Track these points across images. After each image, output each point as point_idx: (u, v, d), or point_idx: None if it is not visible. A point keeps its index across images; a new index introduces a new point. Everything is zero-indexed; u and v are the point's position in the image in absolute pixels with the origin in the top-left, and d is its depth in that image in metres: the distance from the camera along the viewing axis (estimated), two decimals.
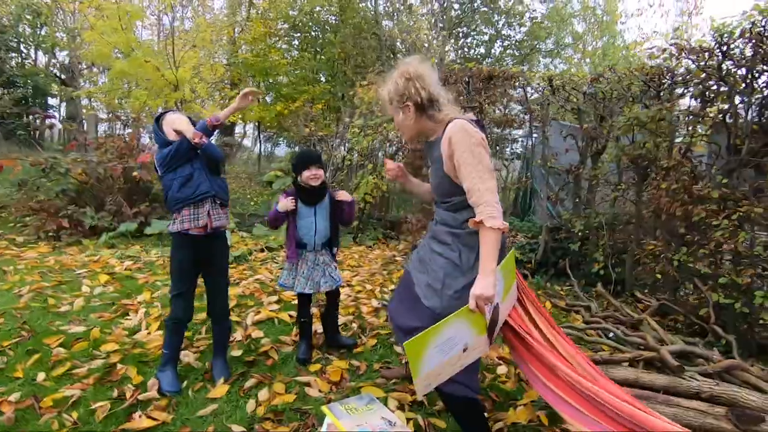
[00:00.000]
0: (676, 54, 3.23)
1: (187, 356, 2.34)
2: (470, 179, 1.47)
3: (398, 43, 10.51)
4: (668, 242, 3.31)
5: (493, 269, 1.44)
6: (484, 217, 1.43)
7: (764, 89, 2.85)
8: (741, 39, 2.77)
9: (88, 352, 2.34)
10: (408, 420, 1.93)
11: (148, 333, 2.60)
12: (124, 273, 3.65)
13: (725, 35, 2.79)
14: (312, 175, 2.38)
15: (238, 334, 2.63)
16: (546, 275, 4.50)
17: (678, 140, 3.48)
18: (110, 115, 9.92)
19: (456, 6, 12.60)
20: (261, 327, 2.80)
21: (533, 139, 5.30)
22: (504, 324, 1.60)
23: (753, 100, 2.85)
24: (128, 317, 2.82)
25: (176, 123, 2.05)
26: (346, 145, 6.23)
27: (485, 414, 1.70)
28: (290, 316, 2.96)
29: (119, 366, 2.20)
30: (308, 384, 2.18)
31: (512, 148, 6.21)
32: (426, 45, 10.05)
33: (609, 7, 11.35)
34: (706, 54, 3.03)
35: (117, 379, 2.10)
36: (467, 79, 4.41)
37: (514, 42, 12.82)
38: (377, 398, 2.03)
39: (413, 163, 4.71)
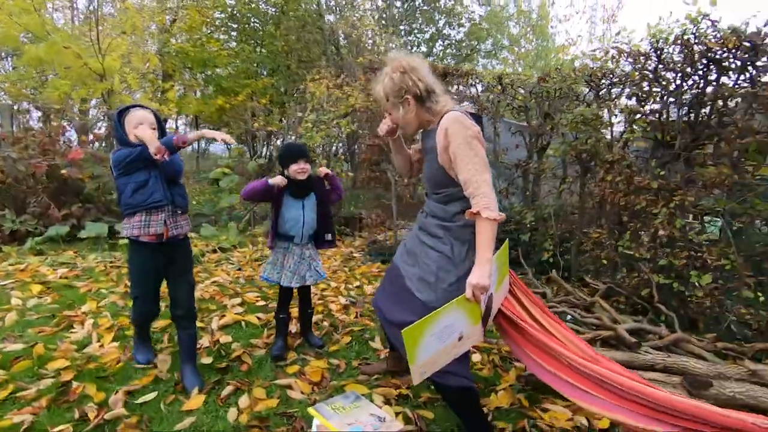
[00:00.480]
0: (617, 57, 3.50)
1: (153, 368, 2.16)
2: (466, 171, 1.49)
3: (341, 39, 10.42)
4: (612, 230, 3.60)
5: (489, 259, 1.47)
6: (480, 208, 1.46)
7: (691, 90, 3.18)
8: (673, 45, 3.06)
9: (33, 372, 2.08)
10: (396, 414, 1.94)
11: (101, 346, 2.37)
12: (60, 282, 3.29)
13: (660, 41, 3.08)
14: (299, 169, 2.32)
15: (204, 341, 2.48)
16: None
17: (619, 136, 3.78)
18: (26, 106, 8.84)
19: (398, 3, 12.73)
20: (228, 331, 2.65)
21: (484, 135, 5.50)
22: (498, 312, 1.65)
23: (683, 101, 3.17)
24: (73, 330, 2.55)
25: (140, 131, 1.92)
26: (298, 140, 6.07)
27: (480, 401, 1.75)
28: (258, 318, 2.84)
29: (74, 384, 1.98)
30: (289, 386, 2.11)
31: None
32: (371, 41, 10.05)
33: (542, 12, 12.10)
34: (642, 58, 3.33)
35: (74, 398, 1.89)
36: None
37: (454, 42, 13.21)
38: (362, 395, 2.03)
39: (370, 158, 4.70)
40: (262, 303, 3.14)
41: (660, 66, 3.25)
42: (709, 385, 1.97)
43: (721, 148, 2.97)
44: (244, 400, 1.96)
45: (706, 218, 3.41)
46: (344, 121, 5.87)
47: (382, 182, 4.78)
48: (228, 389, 2.03)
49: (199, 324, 2.67)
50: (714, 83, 3.02)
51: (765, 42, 2.68)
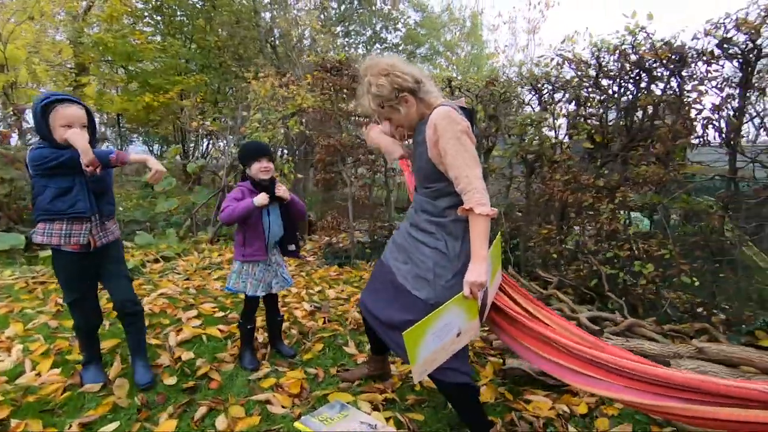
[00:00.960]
0: (561, 63, 3.74)
1: (108, 394, 1.91)
2: (456, 167, 1.48)
3: (277, 37, 10.10)
4: (560, 226, 3.83)
5: (485, 256, 1.48)
6: (473, 204, 1.45)
7: (626, 96, 3.48)
8: (612, 54, 3.34)
9: None
10: (386, 419, 1.88)
11: (38, 374, 2.05)
12: None
13: (602, 50, 3.34)
14: (263, 168, 2.19)
15: (164, 359, 2.25)
16: None
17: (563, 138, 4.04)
18: None
19: (334, 4, 12.62)
20: (188, 347, 2.43)
21: None
22: (491, 307, 1.67)
23: (620, 105, 3.46)
24: None
25: (71, 136, 1.71)
26: (242, 141, 5.76)
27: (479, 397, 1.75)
28: (220, 330, 2.64)
29: (14, 422, 1.68)
30: (268, 401, 1.97)
31: None
32: (309, 41, 9.86)
33: (475, 20, 12.68)
34: (583, 65, 3.59)
35: None
36: None
37: (391, 45, 13.38)
38: (347, 403, 1.96)
39: (324, 159, 4.58)
40: (220, 314, 2.92)
41: (599, 73, 3.52)
42: (668, 364, 2.16)
43: (654, 150, 3.29)
44: (221, 421, 1.79)
45: (633, 213, 3.76)
46: (292, 121, 5.69)
47: (336, 184, 4.69)
48: (201, 410, 1.85)
49: (154, 341, 2.43)
50: (645, 90, 3.34)
51: (688, 54, 3.01)
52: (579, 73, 3.64)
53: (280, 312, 2.51)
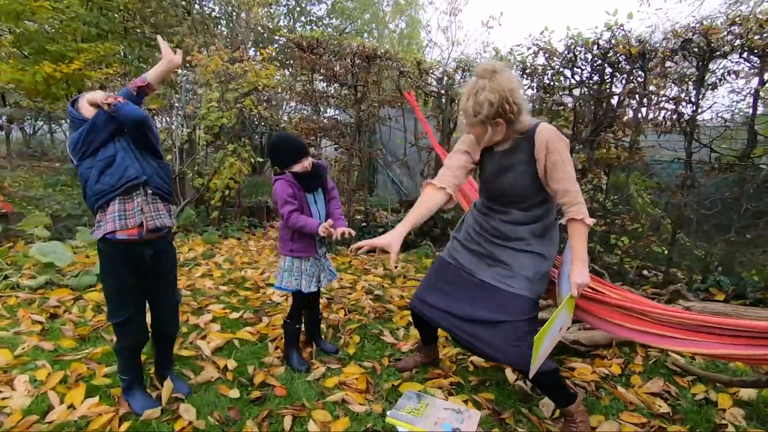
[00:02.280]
0: (536, 51, 3.99)
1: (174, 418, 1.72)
2: (564, 181, 1.57)
3: (197, 5, 9.13)
4: None
5: (586, 259, 1.62)
6: (583, 216, 1.58)
7: (596, 87, 3.85)
8: (585, 47, 3.64)
9: None
10: (464, 402, 1.97)
11: (71, 407, 1.76)
12: None
13: (578, 45, 3.62)
14: (305, 167, 2.06)
15: (211, 371, 2.06)
16: (419, 244, 4.96)
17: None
18: None
19: None
20: (224, 354, 2.25)
21: (393, 120, 5.63)
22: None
23: (591, 95, 3.82)
24: (2, 394, 1.82)
25: (88, 95, 1.65)
26: (186, 122, 5.22)
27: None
28: (249, 333, 2.47)
29: None
30: (344, 401, 1.94)
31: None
32: (237, 12, 9.09)
33: None
34: (558, 57, 3.87)
35: None
36: (352, 58, 4.31)
37: (315, 18, 12.86)
38: (420, 392, 2.01)
39: None
40: (234, 315, 2.73)
41: (573, 65, 3.83)
42: None
43: (619, 135, 3.72)
44: (313, 427, 1.73)
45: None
46: (248, 100, 5.29)
47: None
48: (287, 420, 1.76)
49: (185, 352, 2.22)
50: (610, 82, 3.73)
51: (651, 52, 3.42)
52: (553, 63, 3.92)
53: (320, 309, 2.43)
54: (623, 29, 3.37)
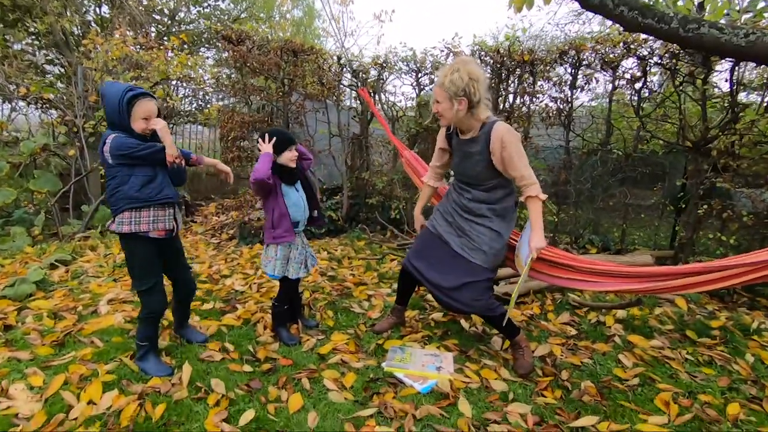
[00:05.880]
0: (446, 53, 4.59)
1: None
2: (519, 169, 2.05)
3: None
4: None
5: (542, 227, 2.15)
6: (537, 193, 2.07)
7: (495, 86, 4.59)
8: (487, 52, 4.34)
9: None
10: (437, 348, 2.45)
11: (90, 403, 1.80)
12: None
13: (484, 50, 4.30)
14: (293, 157, 2.30)
15: (213, 356, 2.21)
16: (353, 227, 5.36)
17: None
18: None
19: None
20: (219, 339, 2.40)
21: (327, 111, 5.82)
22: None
23: (491, 93, 4.56)
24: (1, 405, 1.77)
25: (163, 131, 1.93)
26: (90, 113, 4.76)
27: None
28: (234, 318, 2.63)
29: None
30: (343, 361, 2.27)
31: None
32: None
33: None
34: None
35: None
36: (279, 52, 4.41)
37: (211, 5, 12.03)
38: (403, 346, 2.45)
39: (229, 135, 4.38)
40: (208, 307, 2.83)
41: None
42: None
43: (515, 127, 4.53)
44: (330, 384, 2.04)
45: None
46: (160, 91, 5.04)
47: (245, 161, 4.51)
48: (305, 382, 2.04)
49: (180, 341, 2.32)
50: (504, 83, 4.51)
51: (538, 60, 4.25)
52: None
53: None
54: (519, 40, 4.12)
